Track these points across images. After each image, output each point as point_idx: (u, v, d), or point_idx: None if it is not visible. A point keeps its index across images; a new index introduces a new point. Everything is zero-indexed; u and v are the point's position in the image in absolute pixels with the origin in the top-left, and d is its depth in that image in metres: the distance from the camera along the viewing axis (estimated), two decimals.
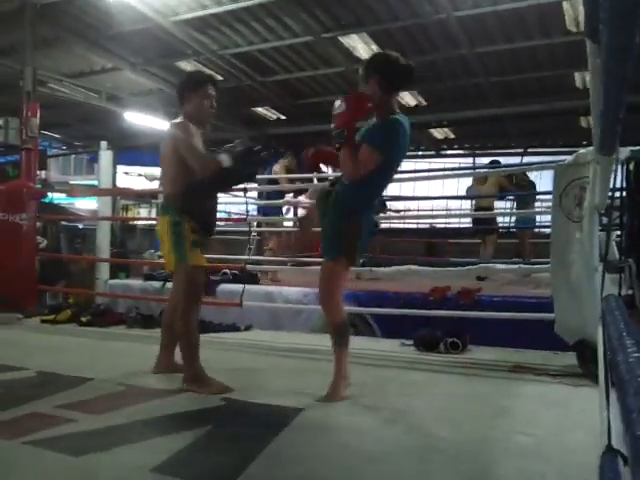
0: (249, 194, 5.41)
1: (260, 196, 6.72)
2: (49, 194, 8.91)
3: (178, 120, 2.96)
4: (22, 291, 5.19)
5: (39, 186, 6.91)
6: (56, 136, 14.14)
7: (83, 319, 4.75)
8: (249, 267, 5.11)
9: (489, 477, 1.83)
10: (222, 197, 8.12)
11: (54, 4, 7.17)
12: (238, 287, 4.71)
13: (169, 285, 5.39)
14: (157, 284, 5.77)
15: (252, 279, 5.38)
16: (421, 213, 12.37)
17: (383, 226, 12.81)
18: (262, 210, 6.73)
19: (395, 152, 2.57)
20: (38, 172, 7.28)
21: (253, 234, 6.12)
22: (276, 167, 6.76)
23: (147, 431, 2.16)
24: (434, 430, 2.23)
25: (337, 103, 2.53)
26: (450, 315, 4.00)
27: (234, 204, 8.99)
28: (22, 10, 7.02)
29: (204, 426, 2.21)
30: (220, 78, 9.95)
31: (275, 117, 12.10)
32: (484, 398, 2.73)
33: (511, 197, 8.34)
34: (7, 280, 5.07)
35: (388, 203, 10.26)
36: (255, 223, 6.17)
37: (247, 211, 5.18)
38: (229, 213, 10.20)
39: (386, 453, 1.98)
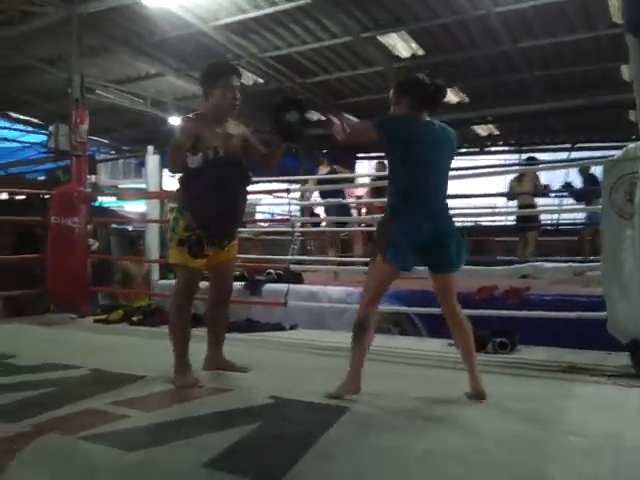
0: (291, 195, 5.48)
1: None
2: (99, 198, 9.18)
3: (189, 115, 3.01)
4: (75, 292, 5.37)
5: (89, 190, 7.12)
6: (104, 141, 14.55)
7: (134, 318, 4.88)
8: (293, 267, 5.15)
9: (541, 478, 1.80)
10: (266, 199, 8.27)
11: (99, 13, 7.38)
12: (283, 287, 4.76)
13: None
14: (204, 284, 5.87)
15: (296, 279, 5.42)
16: (465, 211, 12.21)
17: None
18: (328, 211, 6.78)
19: (409, 145, 2.57)
20: (88, 176, 7.51)
21: (296, 234, 6.17)
22: (324, 169, 6.82)
23: (198, 427, 2.20)
24: (482, 430, 2.21)
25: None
26: (498, 314, 3.93)
27: (277, 205, 9.07)
28: (69, 20, 7.26)
29: (253, 423, 2.25)
30: (261, 81, 10.07)
31: (315, 118, 12.14)
32: (534, 399, 2.68)
33: (562, 194, 8.15)
34: (61, 282, 5.26)
35: None
36: (298, 224, 6.22)
37: (290, 211, 5.23)
38: (272, 214, 10.30)
39: (433, 452, 1.97)
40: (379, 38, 8.10)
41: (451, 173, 2.88)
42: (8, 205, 7.99)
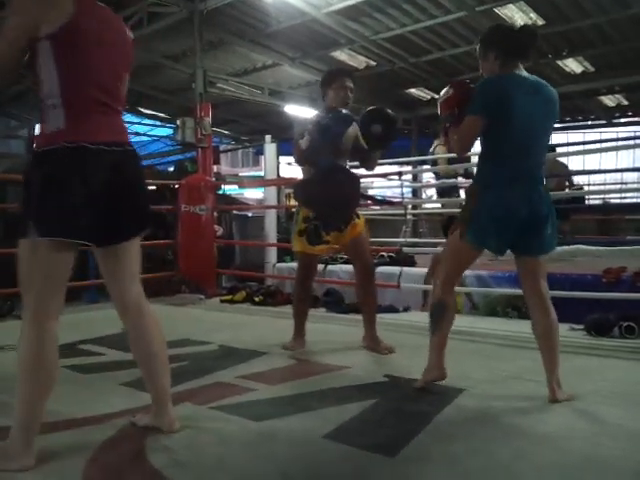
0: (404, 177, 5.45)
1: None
2: (222, 186, 9.69)
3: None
4: (204, 275, 5.76)
5: (214, 179, 7.55)
6: (225, 132, 15.27)
7: (256, 299, 5.16)
8: (405, 249, 5.16)
9: None
10: (378, 182, 8.31)
11: (217, 9, 7.75)
12: (395, 269, 4.79)
13: (330, 268, 5.66)
14: (319, 267, 6.04)
15: (409, 261, 5.42)
16: (592, 188, 11.45)
17: None
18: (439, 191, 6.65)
19: (496, 109, 2.26)
20: (213, 166, 7.96)
21: (409, 216, 6.15)
22: (436, 148, 6.63)
23: (318, 401, 2.33)
24: (605, 415, 2.14)
25: (444, 90, 2.57)
26: (626, 298, 3.71)
27: (389, 188, 9.07)
28: (190, 18, 7.72)
29: (370, 399, 2.33)
30: (373, 63, 10.05)
31: (429, 97, 11.92)
32: None
33: None
34: (191, 265, 5.67)
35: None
36: (410, 206, 6.19)
37: (402, 194, 5.22)
38: (384, 197, 10.29)
39: (553, 436, 1.95)
40: (496, 10, 7.77)
41: (577, 148, 2.67)
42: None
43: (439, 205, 7.04)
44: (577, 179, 11.76)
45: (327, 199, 3.07)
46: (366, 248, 3.36)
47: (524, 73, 2.39)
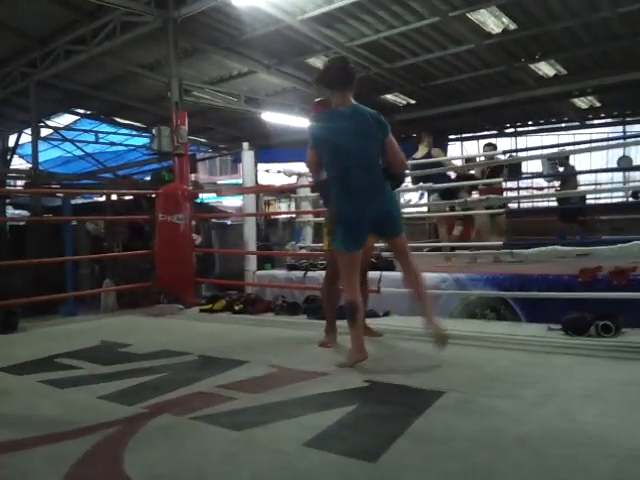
0: None
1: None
2: (200, 195, 9.64)
3: None
4: (182, 284, 5.70)
5: (191, 188, 7.51)
6: (202, 140, 15.22)
7: (236, 307, 5.14)
8: (385, 254, 5.18)
9: None
10: None
11: (191, 18, 7.74)
12: (375, 274, 4.79)
13: (310, 274, 5.65)
14: (299, 273, 6.04)
15: (388, 266, 5.43)
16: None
17: (524, 206, 12.30)
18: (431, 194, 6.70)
19: (319, 140, 3.09)
20: (190, 175, 7.92)
21: None
22: (423, 151, 6.70)
23: (298, 409, 2.32)
24: (583, 414, 2.16)
25: None
26: (602, 297, 3.76)
27: None
28: (164, 27, 7.69)
29: (350, 405, 2.33)
30: None
31: (405, 102, 12.01)
32: (638, 382, 2.57)
33: None
34: (169, 275, 5.61)
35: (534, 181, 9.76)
36: None
37: None
38: None
39: (533, 436, 1.96)
40: (469, 15, 7.87)
41: (552, 150, 2.82)
42: (120, 205, 8.61)
43: (420, 209, 7.10)
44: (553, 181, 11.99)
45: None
46: (371, 246, 3.65)
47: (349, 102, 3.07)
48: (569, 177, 7.83)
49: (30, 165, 10.99)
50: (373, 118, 3.04)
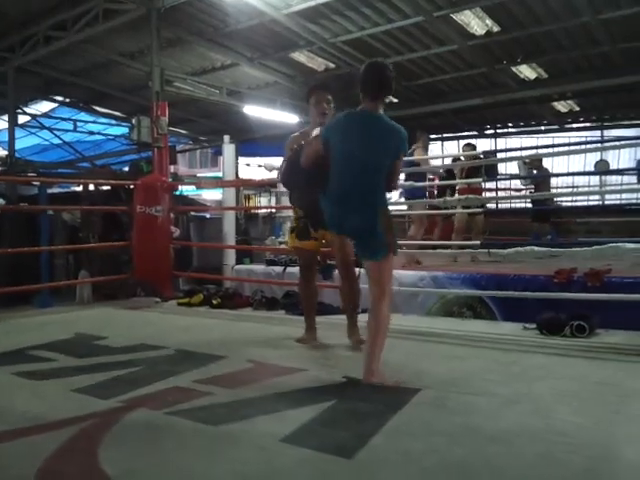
0: None
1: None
2: (179, 187, 9.56)
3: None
4: (160, 277, 5.65)
5: (171, 180, 7.44)
6: (182, 132, 15.07)
7: (214, 302, 5.09)
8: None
9: (613, 461, 1.79)
10: None
11: (175, 7, 7.66)
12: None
13: (289, 270, 5.66)
14: (278, 269, 6.04)
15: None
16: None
17: (502, 206, 12.44)
18: (405, 193, 6.70)
19: (329, 131, 2.99)
20: (169, 167, 7.84)
21: None
22: (421, 152, 6.71)
23: (276, 404, 2.32)
24: (557, 412, 2.20)
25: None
26: (577, 298, 3.83)
27: None
28: (147, 16, 7.59)
29: (328, 401, 2.33)
30: (332, 66, 10.10)
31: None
32: (611, 382, 2.63)
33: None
34: (146, 267, 5.56)
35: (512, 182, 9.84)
36: None
37: None
38: None
39: (507, 433, 1.99)
40: (453, 16, 7.93)
41: (530, 152, 2.83)
42: (97, 195, 8.50)
43: (401, 207, 7.13)
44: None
45: (311, 200, 3.16)
46: (347, 243, 3.43)
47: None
48: (542, 180, 7.97)
49: (6, 152, 10.77)
50: (395, 136, 2.90)
